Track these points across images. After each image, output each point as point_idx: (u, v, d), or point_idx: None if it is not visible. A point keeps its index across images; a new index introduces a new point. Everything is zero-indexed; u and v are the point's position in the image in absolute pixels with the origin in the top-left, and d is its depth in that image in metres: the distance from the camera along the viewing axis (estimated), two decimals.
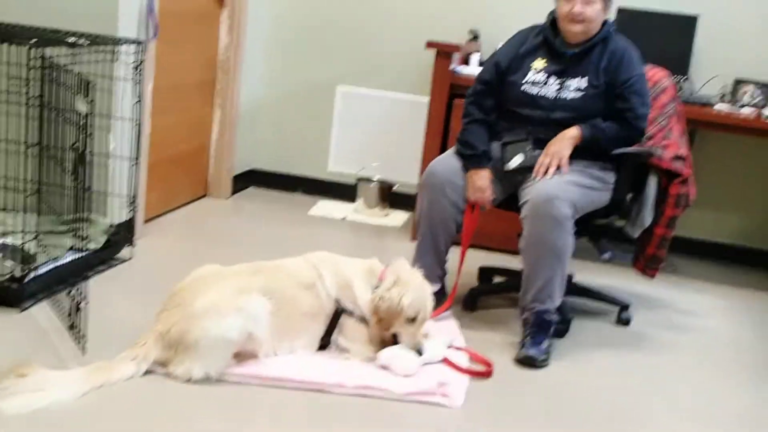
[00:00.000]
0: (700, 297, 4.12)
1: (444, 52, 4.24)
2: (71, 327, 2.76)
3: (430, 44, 4.27)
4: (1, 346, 2.65)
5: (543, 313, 3.05)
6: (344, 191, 5.10)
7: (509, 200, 3.34)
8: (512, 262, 3.79)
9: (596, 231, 3.48)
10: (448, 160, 3.31)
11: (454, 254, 3.34)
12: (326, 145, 5.16)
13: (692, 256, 4.81)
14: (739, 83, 4.51)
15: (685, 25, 4.47)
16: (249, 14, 4.75)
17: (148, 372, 2.53)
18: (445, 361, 2.83)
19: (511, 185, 3.30)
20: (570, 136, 3.17)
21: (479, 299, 3.54)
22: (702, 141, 4.69)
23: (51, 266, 3.12)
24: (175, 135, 4.34)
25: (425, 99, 4.48)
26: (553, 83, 3.24)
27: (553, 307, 3.08)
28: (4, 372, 2.33)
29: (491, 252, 4.28)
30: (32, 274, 3.01)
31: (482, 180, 3.21)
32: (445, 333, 3.08)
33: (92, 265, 3.35)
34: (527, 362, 2.98)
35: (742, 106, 4.35)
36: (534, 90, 3.24)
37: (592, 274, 4.12)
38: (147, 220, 4.05)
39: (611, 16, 3.38)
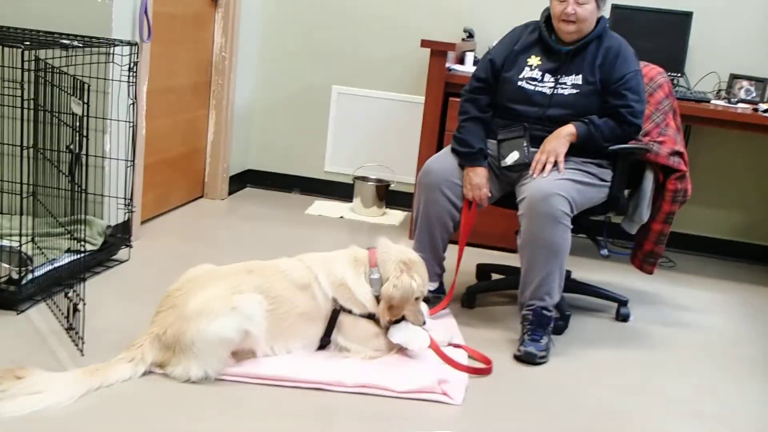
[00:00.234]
0: (698, 292, 4.12)
1: (439, 51, 4.24)
2: (69, 329, 2.76)
3: (424, 43, 4.26)
4: None
5: (541, 309, 3.05)
6: (341, 190, 5.10)
7: (506, 198, 3.34)
8: (510, 260, 3.80)
9: (594, 228, 3.48)
10: (444, 159, 3.30)
11: (451, 252, 3.33)
12: (322, 145, 5.16)
13: (690, 251, 4.81)
14: (734, 79, 4.51)
15: (680, 22, 4.47)
16: (243, 15, 4.75)
17: (146, 373, 2.52)
18: (445, 358, 2.83)
19: (507, 183, 3.30)
20: (566, 133, 3.16)
21: (477, 297, 3.54)
22: (698, 137, 4.69)
23: (48, 268, 3.12)
24: (170, 136, 4.34)
25: (420, 98, 4.48)
26: (549, 80, 3.23)
27: (551, 303, 3.07)
28: (1, 375, 2.32)
29: (489, 250, 4.28)
30: (29, 277, 3.00)
31: (479, 177, 3.21)
32: (444, 330, 3.07)
33: (89, 267, 3.34)
34: (526, 359, 2.97)
35: (738, 101, 4.36)
36: (530, 87, 3.24)
37: (590, 271, 4.13)
38: (143, 222, 4.04)
39: (606, 13, 3.37)
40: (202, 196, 4.84)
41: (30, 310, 2.95)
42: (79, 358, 2.59)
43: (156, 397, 2.43)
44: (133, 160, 3.57)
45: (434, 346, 2.87)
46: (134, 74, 3.47)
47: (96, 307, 2.93)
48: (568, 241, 3.05)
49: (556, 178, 3.07)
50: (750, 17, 4.57)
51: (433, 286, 3.33)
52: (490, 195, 3.25)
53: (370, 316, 2.82)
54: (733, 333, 3.59)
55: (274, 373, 2.60)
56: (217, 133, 4.76)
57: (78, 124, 2.80)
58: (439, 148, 4.04)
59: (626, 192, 3.43)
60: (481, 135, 3.28)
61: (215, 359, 2.53)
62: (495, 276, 3.78)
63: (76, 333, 2.67)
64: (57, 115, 3.07)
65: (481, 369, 2.85)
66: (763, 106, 4.18)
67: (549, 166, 3.11)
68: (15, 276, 2.95)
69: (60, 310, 2.90)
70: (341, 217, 4.76)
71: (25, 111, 2.92)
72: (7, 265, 2.95)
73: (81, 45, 3.16)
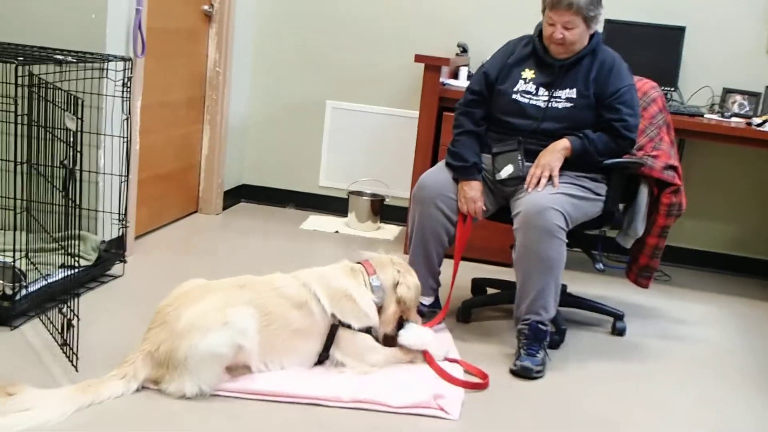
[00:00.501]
0: (693, 306, 4.11)
1: (433, 66, 4.24)
2: (63, 344, 2.74)
3: (418, 58, 4.26)
4: None
5: (537, 324, 3.04)
6: (336, 205, 5.10)
7: (501, 212, 3.33)
8: (505, 274, 3.79)
9: (589, 242, 3.48)
10: (439, 173, 3.30)
11: (447, 266, 3.32)
12: (317, 160, 5.15)
13: (685, 265, 4.81)
14: (727, 93, 4.52)
15: (673, 36, 4.48)
16: (237, 30, 4.75)
17: (139, 389, 2.50)
18: (441, 373, 2.81)
19: (502, 197, 3.30)
20: (561, 147, 3.16)
21: (473, 311, 3.53)
22: (692, 151, 4.70)
23: (42, 284, 3.10)
24: (164, 151, 4.33)
25: (415, 113, 4.48)
26: (543, 94, 3.23)
27: (547, 318, 3.06)
28: None
29: (484, 264, 4.28)
30: (23, 292, 2.99)
31: (473, 191, 3.21)
32: (440, 345, 3.06)
33: (83, 282, 3.32)
34: (523, 373, 2.96)
35: (731, 115, 4.37)
36: (524, 99, 3.24)
37: (585, 285, 4.12)
38: (138, 236, 4.03)
39: (600, 27, 3.37)
40: (196, 211, 4.83)
41: (24, 326, 2.93)
42: (74, 374, 2.58)
43: (150, 413, 2.41)
44: (127, 175, 3.56)
45: (430, 361, 2.86)
46: (128, 89, 3.47)
47: (90, 323, 2.91)
48: (564, 255, 3.05)
49: (551, 193, 3.07)
50: (743, 32, 4.58)
51: (429, 300, 3.32)
52: (484, 209, 3.25)
53: (368, 330, 2.81)
54: (728, 345, 3.59)
55: (270, 388, 2.59)
56: (211, 147, 4.76)
57: (72, 139, 2.79)
58: (434, 162, 4.04)
59: (621, 206, 3.42)
60: (475, 149, 3.28)
61: (209, 375, 2.51)
62: (490, 290, 3.77)
63: (71, 348, 2.66)
64: (51, 130, 3.06)
65: (477, 384, 2.84)
66: (756, 120, 4.19)
67: (544, 181, 3.11)
68: (9, 291, 2.94)
69: (54, 325, 2.88)
70: (336, 231, 4.75)
71: (19, 126, 2.91)
72: (0, 281, 2.93)
73: (75, 60, 3.15)
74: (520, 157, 3.18)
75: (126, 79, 3.45)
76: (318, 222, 4.91)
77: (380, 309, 2.87)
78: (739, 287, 4.54)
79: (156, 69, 4.01)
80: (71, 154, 2.82)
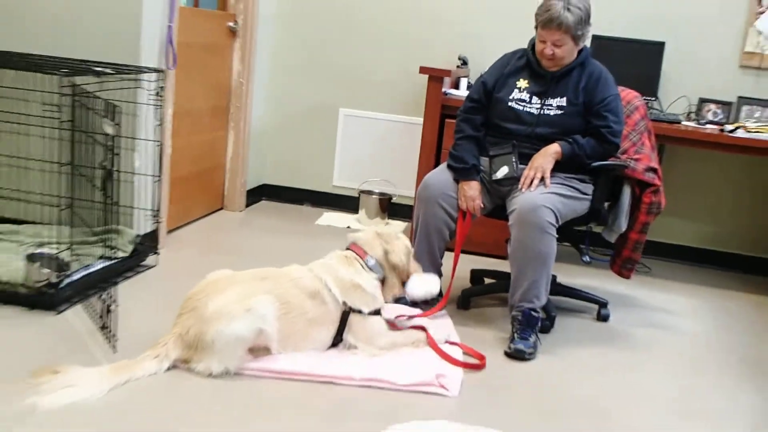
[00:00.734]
0: (671, 296, 4.11)
1: (436, 77, 4.24)
2: (103, 328, 2.76)
3: (423, 70, 4.27)
4: (40, 345, 2.65)
5: (530, 311, 3.05)
6: (348, 203, 5.11)
7: (498, 210, 3.34)
8: (501, 266, 3.80)
9: (577, 236, 3.48)
10: (441, 174, 3.30)
11: (447, 259, 3.33)
12: (331, 162, 5.16)
13: (664, 258, 4.81)
14: (703, 102, 4.52)
15: (654, 51, 4.47)
16: (258, 44, 4.76)
17: (170, 368, 2.52)
18: (442, 355, 2.83)
19: (498, 196, 3.30)
20: (552, 151, 3.17)
21: (472, 299, 3.53)
22: (671, 155, 4.69)
23: (83, 273, 3.12)
24: (193, 154, 4.34)
25: (419, 120, 4.48)
26: (536, 102, 3.24)
27: (539, 305, 3.07)
28: (40, 370, 2.33)
29: (482, 257, 4.28)
30: (67, 281, 3.01)
31: (472, 190, 3.21)
32: (441, 330, 3.07)
33: (120, 272, 3.34)
34: (516, 355, 2.97)
35: (706, 123, 4.36)
36: (519, 107, 3.24)
37: (573, 276, 4.12)
38: (169, 231, 4.04)
39: (588, 41, 3.37)
40: (221, 208, 4.84)
41: (67, 311, 2.95)
42: (112, 355, 2.60)
43: (180, 389, 2.43)
44: (160, 176, 3.58)
45: (432, 344, 2.87)
46: (161, 98, 3.49)
47: (127, 308, 2.94)
48: (554, 249, 3.05)
49: (543, 192, 3.08)
50: (717, 47, 4.57)
51: None
52: (483, 206, 3.26)
53: (377, 312, 2.82)
54: (705, 334, 3.58)
55: (288, 368, 2.60)
56: (235, 151, 4.77)
57: (110, 143, 2.81)
58: (437, 164, 4.04)
59: (606, 204, 3.42)
60: (474, 152, 3.28)
61: (234, 356, 2.53)
62: (488, 280, 3.78)
63: (109, 331, 2.68)
64: (91, 135, 3.08)
65: (475, 364, 2.85)
66: (729, 127, 4.18)
67: (536, 181, 3.11)
68: (54, 280, 2.95)
69: (94, 310, 2.90)
70: (348, 227, 4.76)
71: (63, 132, 2.93)
72: (47, 270, 2.95)
73: (113, 72, 3.17)
74: (514, 160, 3.19)
75: (159, 89, 3.46)
76: (331, 218, 4.92)
77: (383, 281, 2.88)
78: (713, 279, 4.54)
79: (186, 80, 4.03)
80: (110, 156, 2.84)
